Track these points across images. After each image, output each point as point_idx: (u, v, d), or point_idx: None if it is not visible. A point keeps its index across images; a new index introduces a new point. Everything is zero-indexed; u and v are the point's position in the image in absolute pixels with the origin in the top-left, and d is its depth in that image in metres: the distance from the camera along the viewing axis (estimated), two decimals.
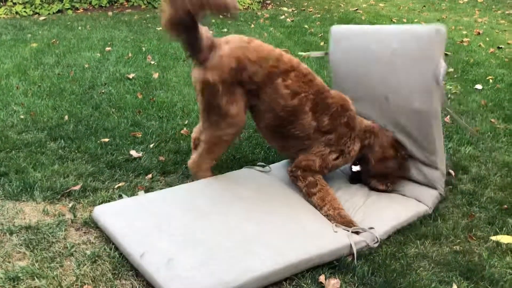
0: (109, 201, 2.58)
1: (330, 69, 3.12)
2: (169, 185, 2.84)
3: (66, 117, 3.71)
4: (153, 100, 4.17)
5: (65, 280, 2.02)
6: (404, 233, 2.52)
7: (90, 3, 8.37)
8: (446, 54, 2.71)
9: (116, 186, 2.78)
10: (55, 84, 4.46)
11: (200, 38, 2.46)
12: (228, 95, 2.55)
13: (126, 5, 8.62)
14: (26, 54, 5.37)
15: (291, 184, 2.80)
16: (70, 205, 2.57)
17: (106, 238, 2.30)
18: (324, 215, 2.54)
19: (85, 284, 2.00)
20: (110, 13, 8.02)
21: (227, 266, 2.03)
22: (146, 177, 2.92)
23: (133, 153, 3.18)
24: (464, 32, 7.43)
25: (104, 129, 3.53)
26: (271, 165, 3.00)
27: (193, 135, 3.06)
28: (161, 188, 2.78)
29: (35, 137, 3.33)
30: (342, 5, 9.85)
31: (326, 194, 2.61)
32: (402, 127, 2.81)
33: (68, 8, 8.11)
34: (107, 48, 5.72)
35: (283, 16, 8.34)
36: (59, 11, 8.03)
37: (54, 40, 6.03)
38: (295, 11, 9.02)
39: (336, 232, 2.38)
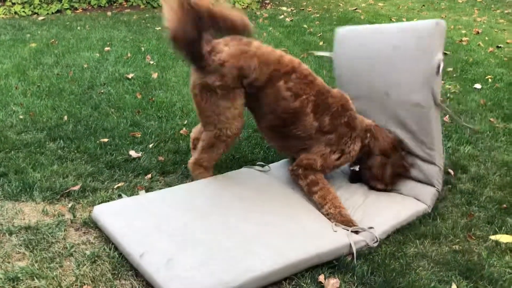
0: (108, 201, 2.58)
1: (334, 69, 3.13)
2: (169, 185, 2.84)
3: (65, 117, 3.71)
4: (152, 100, 4.17)
5: (64, 280, 2.02)
6: (404, 232, 2.52)
7: (89, 3, 8.37)
8: (445, 53, 2.73)
9: (115, 186, 2.78)
10: (54, 84, 4.45)
11: (202, 47, 2.47)
12: (227, 98, 2.56)
13: (125, 5, 8.62)
14: (25, 54, 5.37)
15: (291, 183, 2.80)
16: (70, 205, 2.57)
17: (106, 238, 2.30)
18: (325, 214, 2.55)
19: (84, 284, 2.00)
20: (109, 13, 8.02)
21: (226, 266, 2.03)
22: (146, 177, 2.92)
23: (133, 153, 3.18)
24: (463, 31, 7.43)
25: (103, 129, 3.53)
26: (271, 165, 3.01)
27: (192, 135, 3.06)
28: (160, 188, 2.78)
29: (34, 137, 3.33)
30: (341, 4, 9.85)
31: (327, 192, 2.61)
32: (401, 121, 2.82)
33: (67, 8, 8.11)
34: (106, 48, 5.72)
35: (282, 16, 8.35)
36: (58, 11, 8.03)
37: (53, 40, 6.03)
38: (294, 11, 9.02)
39: (335, 231, 2.38)
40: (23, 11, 7.77)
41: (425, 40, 2.65)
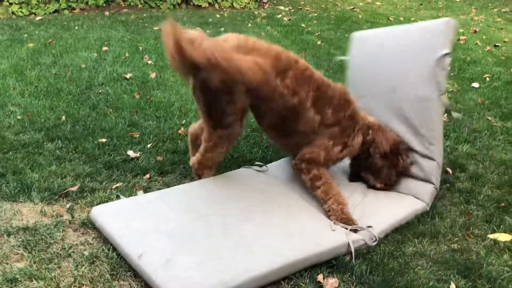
0: (107, 202, 2.58)
1: (348, 71, 3.23)
2: (167, 185, 2.84)
3: (63, 118, 3.70)
4: (151, 100, 4.17)
5: (63, 281, 2.01)
6: (402, 231, 2.52)
7: (87, 2, 8.35)
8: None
9: (113, 187, 2.77)
10: (52, 84, 4.44)
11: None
12: (229, 95, 2.55)
13: (123, 5, 8.60)
14: (23, 54, 5.36)
15: (289, 183, 2.80)
16: (68, 205, 2.57)
17: (104, 239, 2.30)
18: (327, 209, 2.55)
19: (83, 285, 2.00)
20: (106, 13, 8.00)
21: (225, 266, 2.03)
22: (144, 177, 2.91)
23: (131, 153, 3.17)
24: (461, 30, 7.44)
25: (102, 129, 3.52)
26: (269, 165, 3.01)
27: (191, 130, 3.03)
28: (159, 188, 2.78)
29: (32, 138, 3.32)
30: (339, 3, 9.85)
31: (330, 188, 2.61)
32: (404, 116, 2.86)
33: (65, 8, 8.08)
34: (104, 48, 5.71)
35: (280, 15, 8.34)
36: (55, 11, 8.01)
37: (50, 40, 6.02)
38: (292, 10, 9.01)
39: (334, 230, 2.38)
40: (21, 11, 7.75)
41: (434, 37, 2.79)
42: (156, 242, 2.15)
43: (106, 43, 5.96)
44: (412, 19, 8.31)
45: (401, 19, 8.28)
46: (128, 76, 4.74)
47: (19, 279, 1.99)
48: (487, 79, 5.07)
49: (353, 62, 3.20)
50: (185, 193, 2.61)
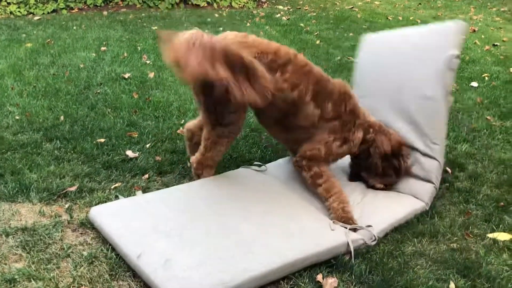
0: (105, 202, 2.57)
1: (354, 72, 3.26)
2: (166, 185, 2.84)
3: (62, 118, 3.70)
4: (149, 99, 4.16)
5: (62, 281, 2.01)
6: (401, 231, 2.52)
7: (85, 2, 8.34)
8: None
9: (112, 187, 2.77)
10: (51, 84, 4.44)
11: None
12: (229, 93, 2.55)
13: (121, 4, 8.59)
14: (21, 54, 5.35)
15: (288, 183, 2.80)
16: (67, 206, 2.56)
17: (103, 239, 2.29)
18: (328, 207, 2.55)
19: (82, 285, 2.00)
20: (105, 13, 7.99)
21: (224, 266, 2.02)
22: (143, 177, 2.91)
23: (129, 153, 3.17)
24: None
25: (100, 129, 3.52)
26: (267, 165, 3.01)
27: (187, 127, 3.02)
28: (157, 188, 2.78)
29: (30, 138, 3.32)
30: (337, 3, 9.85)
31: (332, 185, 2.61)
32: (410, 115, 2.88)
33: (63, 8, 8.07)
34: (103, 48, 5.70)
35: (278, 15, 8.34)
36: (53, 10, 8.00)
37: (49, 40, 6.01)
38: (291, 10, 9.01)
39: (333, 230, 2.38)
40: (19, 11, 7.74)
41: (443, 38, 2.83)
42: (155, 242, 2.15)
43: (104, 43, 5.96)
44: (411, 18, 8.31)
45: (400, 18, 8.29)
46: (126, 76, 4.73)
47: (18, 280, 1.98)
48: (486, 78, 5.07)
49: (361, 63, 3.23)
50: (184, 193, 2.61)
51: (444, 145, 2.87)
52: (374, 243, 2.38)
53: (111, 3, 8.58)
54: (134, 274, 2.08)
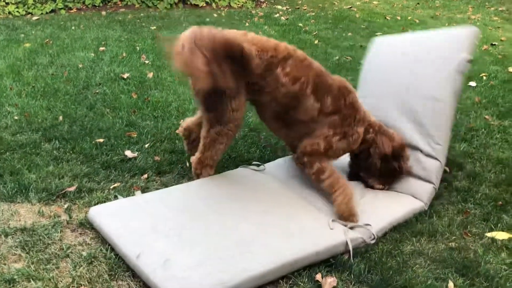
0: (104, 202, 2.57)
1: (361, 73, 3.32)
2: (165, 185, 2.84)
3: (61, 118, 3.69)
4: (148, 99, 4.16)
5: (61, 281, 2.01)
6: (400, 230, 2.53)
7: (84, 2, 8.33)
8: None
9: (111, 187, 2.77)
10: (49, 84, 4.43)
11: None
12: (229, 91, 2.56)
13: (120, 4, 8.59)
14: (20, 54, 5.34)
15: (287, 182, 2.80)
16: (66, 206, 2.56)
17: (102, 239, 2.29)
18: (332, 202, 2.57)
19: (81, 285, 2.00)
20: (103, 13, 7.99)
21: (223, 265, 2.03)
22: (142, 177, 2.91)
23: (128, 153, 3.17)
24: None
25: (99, 129, 3.52)
26: (266, 164, 3.01)
27: (184, 125, 3.04)
28: (156, 188, 2.78)
29: (29, 138, 3.32)
30: (336, 3, 9.85)
31: (335, 180, 2.62)
32: (415, 114, 2.89)
33: (61, 8, 8.06)
34: (101, 48, 5.70)
35: (277, 14, 8.34)
36: (52, 10, 7.99)
37: (47, 40, 6.00)
38: (290, 9, 9.01)
39: (332, 229, 2.38)
40: (17, 11, 7.72)
41: (455, 42, 2.89)
42: (154, 242, 2.15)
43: (103, 43, 5.95)
44: (409, 18, 8.32)
45: (398, 18, 8.29)
46: (125, 76, 4.73)
47: (17, 280, 1.99)
48: (484, 78, 5.08)
49: (369, 63, 3.27)
50: (183, 193, 2.61)
51: (447, 146, 2.87)
52: (373, 241, 2.38)
53: (109, 3, 8.57)
54: (134, 274, 2.08)
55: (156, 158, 3.14)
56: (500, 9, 9.58)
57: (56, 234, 2.30)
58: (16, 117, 3.67)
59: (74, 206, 2.57)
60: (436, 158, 2.81)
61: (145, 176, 2.92)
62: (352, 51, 6.04)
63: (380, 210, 2.61)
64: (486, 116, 4.05)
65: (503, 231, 2.53)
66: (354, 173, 2.93)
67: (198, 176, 2.77)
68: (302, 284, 2.10)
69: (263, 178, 2.83)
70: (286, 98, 2.61)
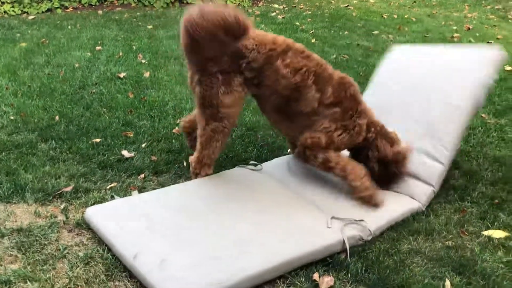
0: (101, 202, 2.57)
1: (373, 76, 3.42)
2: (162, 185, 2.83)
3: (57, 118, 3.68)
4: (145, 99, 4.15)
5: (57, 282, 2.00)
6: (397, 229, 2.53)
7: (80, 1, 8.31)
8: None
9: (108, 187, 2.76)
10: (45, 84, 4.42)
11: None
12: (226, 85, 2.56)
13: (116, 4, 8.56)
14: (15, 54, 5.32)
15: (284, 182, 2.80)
16: (62, 206, 2.55)
17: (99, 240, 2.29)
18: (349, 186, 2.63)
19: (78, 286, 1.99)
20: (100, 12, 7.96)
21: (220, 265, 2.02)
22: (139, 177, 2.90)
23: (125, 153, 3.16)
24: (454, 28, 7.47)
25: (96, 129, 3.51)
26: (263, 164, 3.01)
27: (183, 124, 3.05)
28: (153, 188, 2.77)
29: (25, 138, 3.30)
30: (333, 1, 9.85)
31: (345, 164, 2.65)
32: (430, 118, 2.94)
33: (58, 7, 8.04)
34: (98, 47, 5.68)
35: (274, 13, 8.33)
36: (48, 10, 7.96)
37: (43, 39, 5.98)
38: (286, 8, 9.00)
39: (329, 227, 2.38)
40: (13, 10, 7.69)
41: (482, 58, 3.06)
42: (151, 242, 2.15)
43: (99, 42, 5.94)
44: (406, 16, 8.33)
45: (395, 16, 8.30)
46: (122, 75, 4.72)
47: (13, 281, 1.98)
48: None
49: (385, 69, 3.39)
50: (179, 193, 2.61)
51: (454, 154, 2.90)
52: (370, 238, 2.38)
53: (106, 2, 8.54)
54: (131, 274, 2.08)
55: (153, 158, 3.14)
56: (496, 7, 9.60)
57: (53, 235, 2.30)
58: (12, 117, 3.65)
59: (70, 207, 2.57)
60: (441, 162, 2.81)
61: (142, 176, 2.92)
62: (349, 50, 6.04)
63: (379, 210, 2.60)
64: (483, 115, 4.05)
65: (499, 229, 2.53)
66: None
67: (196, 175, 2.76)
68: (299, 284, 2.10)
69: (261, 177, 2.83)
70: (287, 90, 2.61)
